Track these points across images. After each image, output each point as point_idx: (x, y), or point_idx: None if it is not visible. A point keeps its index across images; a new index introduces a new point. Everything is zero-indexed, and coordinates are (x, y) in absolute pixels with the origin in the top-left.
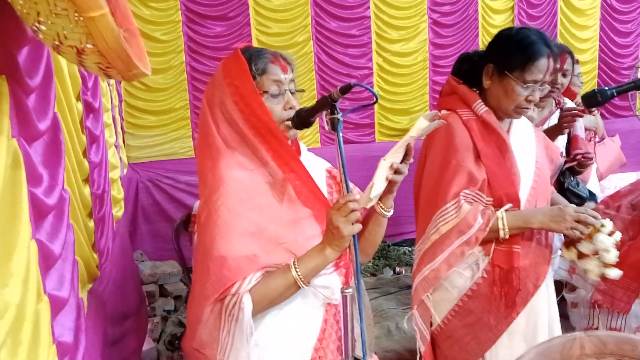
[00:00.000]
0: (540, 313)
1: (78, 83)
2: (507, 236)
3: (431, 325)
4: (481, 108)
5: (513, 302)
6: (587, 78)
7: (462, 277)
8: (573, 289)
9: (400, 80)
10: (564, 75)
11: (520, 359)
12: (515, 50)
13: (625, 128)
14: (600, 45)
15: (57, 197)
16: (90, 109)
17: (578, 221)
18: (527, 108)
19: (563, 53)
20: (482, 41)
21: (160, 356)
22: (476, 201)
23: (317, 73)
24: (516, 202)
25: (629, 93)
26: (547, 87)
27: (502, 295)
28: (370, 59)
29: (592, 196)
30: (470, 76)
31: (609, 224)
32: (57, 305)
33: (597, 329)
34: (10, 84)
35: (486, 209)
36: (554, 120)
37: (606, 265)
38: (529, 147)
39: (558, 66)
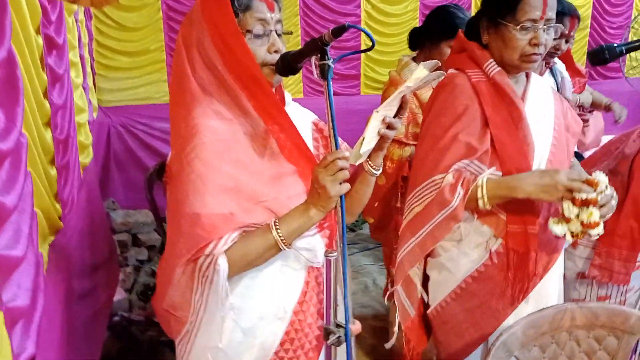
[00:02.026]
0: (549, 297)
1: (38, 14)
2: (488, 207)
3: (425, 307)
4: (493, 68)
5: (526, 288)
6: (579, 36)
7: (469, 257)
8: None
9: (389, 30)
10: (567, 41)
11: (510, 329)
12: None
13: (613, 90)
14: (593, 2)
15: (13, 142)
16: (53, 45)
17: (570, 190)
18: (535, 54)
19: (572, 17)
20: None
21: (132, 307)
22: (472, 173)
23: (302, 18)
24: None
25: None
26: (557, 25)
27: (516, 280)
28: (359, 6)
29: (578, 157)
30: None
31: (603, 178)
32: (9, 266)
33: (584, 300)
34: None
35: (464, 174)
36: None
37: (587, 226)
38: (547, 114)
39: (566, 31)
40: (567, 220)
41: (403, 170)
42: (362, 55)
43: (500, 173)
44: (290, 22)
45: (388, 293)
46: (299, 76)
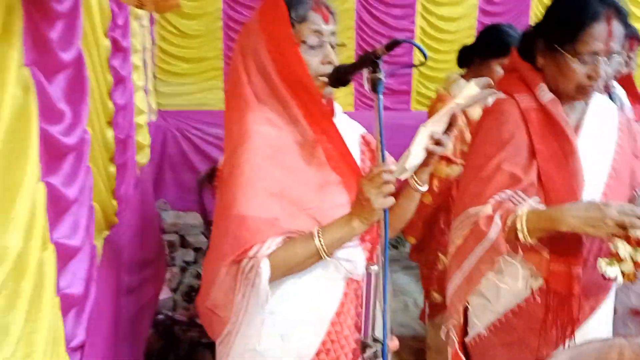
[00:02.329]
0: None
1: (107, 18)
2: (529, 240)
3: (465, 334)
4: (545, 95)
5: (571, 332)
6: None
7: (510, 290)
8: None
9: (442, 47)
10: (627, 64)
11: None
12: (561, 16)
13: None
14: None
15: (77, 138)
16: (118, 48)
17: (622, 226)
18: (591, 86)
19: (632, 38)
20: (535, 13)
21: (176, 306)
22: (514, 204)
23: (356, 31)
24: None
25: None
26: (618, 59)
27: (557, 325)
28: (413, 22)
29: None
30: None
31: None
32: (67, 254)
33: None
34: (27, 7)
35: (505, 205)
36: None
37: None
38: (607, 142)
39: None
40: (620, 260)
41: (451, 190)
42: (414, 70)
43: (543, 206)
44: (345, 35)
45: (426, 316)
46: (350, 89)
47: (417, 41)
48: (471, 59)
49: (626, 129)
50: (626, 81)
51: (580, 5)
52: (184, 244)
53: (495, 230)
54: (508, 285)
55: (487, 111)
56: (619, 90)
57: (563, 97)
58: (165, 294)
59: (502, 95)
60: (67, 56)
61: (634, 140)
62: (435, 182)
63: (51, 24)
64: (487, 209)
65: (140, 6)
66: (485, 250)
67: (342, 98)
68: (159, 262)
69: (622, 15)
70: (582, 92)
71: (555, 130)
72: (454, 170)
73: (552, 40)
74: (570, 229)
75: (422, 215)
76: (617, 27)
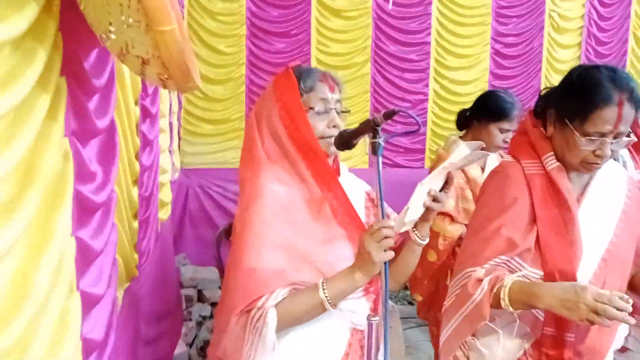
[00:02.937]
0: None
1: (138, 89)
2: (511, 309)
3: None
4: (551, 163)
5: None
6: None
7: (505, 348)
8: (623, 350)
9: (456, 108)
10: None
11: None
12: (574, 94)
13: None
14: None
15: (106, 196)
16: (147, 114)
17: (595, 312)
18: (596, 164)
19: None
20: (545, 75)
21: None
22: (511, 270)
23: (372, 95)
24: (571, 281)
25: None
26: (625, 139)
27: None
28: (427, 85)
29: None
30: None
31: None
32: (91, 301)
33: None
34: (71, 85)
35: (497, 272)
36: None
37: None
38: (612, 208)
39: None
40: None
41: (455, 248)
42: (429, 130)
43: (542, 273)
44: (361, 99)
45: None
46: (364, 147)
47: (430, 102)
48: (470, 123)
49: (635, 196)
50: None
51: (594, 87)
52: (201, 298)
53: (480, 294)
54: (503, 342)
55: (493, 172)
56: (625, 154)
57: (569, 167)
58: (180, 348)
59: (508, 157)
60: (101, 124)
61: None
62: (440, 240)
63: (90, 97)
64: (480, 272)
65: (165, 87)
66: (470, 311)
67: (358, 157)
68: (176, 315)
69: (635, 100)
70: (586, 168)
71: (558, 198)
72: (457, 229)
73: (562, 114)
74: (547, 307)
75: (428, 272)
76: (628, 111)
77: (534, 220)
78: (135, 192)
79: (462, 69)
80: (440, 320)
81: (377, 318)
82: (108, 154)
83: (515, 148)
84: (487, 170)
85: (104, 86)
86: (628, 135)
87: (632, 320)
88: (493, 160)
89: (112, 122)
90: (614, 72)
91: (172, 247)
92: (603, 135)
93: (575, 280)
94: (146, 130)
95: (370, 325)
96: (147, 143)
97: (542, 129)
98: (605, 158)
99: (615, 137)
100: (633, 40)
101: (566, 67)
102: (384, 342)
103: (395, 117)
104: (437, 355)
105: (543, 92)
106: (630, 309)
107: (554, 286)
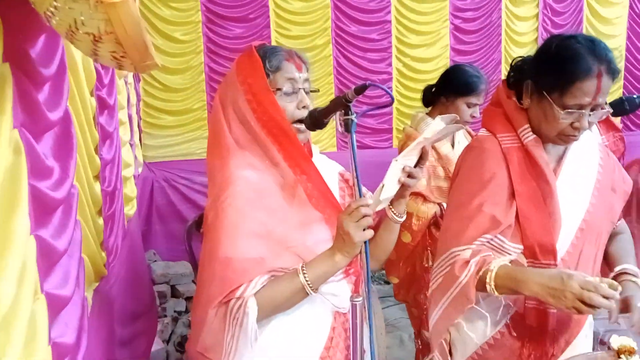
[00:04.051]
0: None
1: (93, 79)
2: (495, 293)
3: None
4: (527, 135)
5: None
6: (612, 88)
7: (485, 320)
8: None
9: (420, 86)
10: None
11: None
12: (553, 66)
13: None
14: (626, 55)
15: (65, 192)
16: (105, 106)
17: (581, 300)
18: (573, 136)
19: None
20: (505, 48)
21: (169, 357)
22: (494, 248)
23: (335, 77)
24: (551, 253)
25: None
26: (603, 111)
27: (531, 358)
28: (390, 64)
29: None
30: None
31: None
32: (58, 304)
33: None
34: (16, 73)
35: (484, 254)
36: None
37: None
38: (587, 177)
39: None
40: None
41: (430, 228)
42: (394, 110)
43: (522, 247)
44: (325, 81)
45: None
46: (332, 131)
47: (394, 82)
48: (436, 98)
49: (606, 164)
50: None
51: (574, 59)
52: (175, 294)
53: (466, 277)
54: (484, 315)
55: (469, 147)
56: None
57: (545, 139)
58: (157, 345)
59: (484, 132)
60: (54, 116)
61: (613, 173)
62: (414, 220)
63: (39, 87)
64: (466, 253)
65: (120, 67)
66: (456, 294)
67: (325, 140)
68: (150, 313)
69: (612, 71)
70: (563, 140)
71: (535, 171)
72: (430, 208)
73: (540, 86)
74: (533, 295)
75: (403, 254)
76: (606, 82)
77: (512, 194)
78: (97, 187)
79: (424, 46)
80: (419, 302)
81: (360, 298)
82: (64, 147)
83: (490, 120)
84: (457, 147)
85: (55, 75)
86: (604, 107)
87: (613, 306)
88: (461, 136)
89: (67, 113)
90: (592, 43)
91: (141, 244)
92: (582, 107)
93: (554, 252)
94: (104, 122)
95: (353, 306)
96: (106, 136)
97: (516, 100)
98: (582, 130)
99: (592, 109)
100: (587, 9)
101: (525, 39)
102: (369, 321)
103: (361, 97)
104: (417, 334)
105: (515, 62)
106: (618, 296)
107: (540, 273)
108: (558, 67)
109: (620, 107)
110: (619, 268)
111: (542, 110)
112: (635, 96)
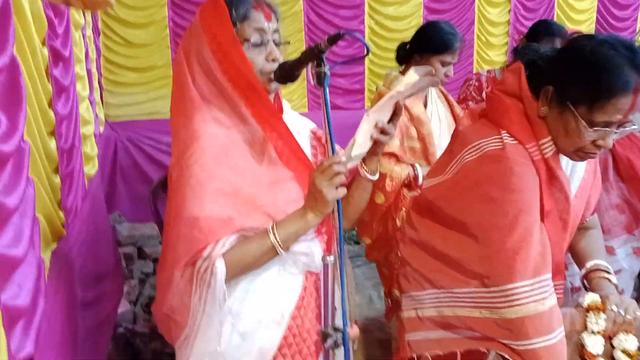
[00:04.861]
0: None
1: (44, 27)
2: None
3: None
4: (549, 149)
5: None
6: None
7: None
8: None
9: (393, 45)
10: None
11: None
12: (585, 76)
13: None
14: (597, 17)
15: (14, 146)
16: (59, 57)
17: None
18: (593, 153)
19: (563, 39)
20: (479, 7)
21: (136, 319)
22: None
23: (306, 34)
24: (561, 273)
25: None
26: (629, 128)
27: None
28: (362, 22)
29: None
30: (534, 79)
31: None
32: (10, 265)
33: None
34: None
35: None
36: None
37: None
38: (577, 176)
39: None
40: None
41: (402, 188)
42: (367, 70)
43: None
44: (295, 38)
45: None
46: (303, 91)
47: (367, 40)
48: (410, 56)
49: (591, 160)
50: None
51: (612, 72)
52: (142, 255)
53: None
54: None
55: (498, 156)
56: None
57: (559, 151)
58: (124, 307)
59: (507, 137)
60: None
61: (595, 172)
62: (388, 181)
63: None
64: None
65: (67, 3)
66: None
67: (297, 100)
68: (115, 275)
69: None
70: (580, 157)
71: (557, 189)
72: (403, 169)
73: (564, 96)
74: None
75: (376, 215)
76: None
77: (542, 215)
78: (52, 143)
79: (396, 3)
80: (390, 261)
81: (331, 257)
82: (11, 97)
83: (509, 122)
84: (430, 107)
85: None
86: (632, 123)
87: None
88: (434, 96)
89: (13, 61)
90: (631, 52)
91: (103, 204)
92: (610, 124)
93: (564, 272)
94: (59, 75)
95: (325, 266)
96: (61, 90)
97: (536, 102)
98: (606, 148)
99: (619, 126)
100: None
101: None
102: (340, 280)
103: (332, 55)
104: (387, 293)
105: (522, 49)
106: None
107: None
108: (592, 78)
109: None
110: (590, 264)
111: (562, 123)
112: None
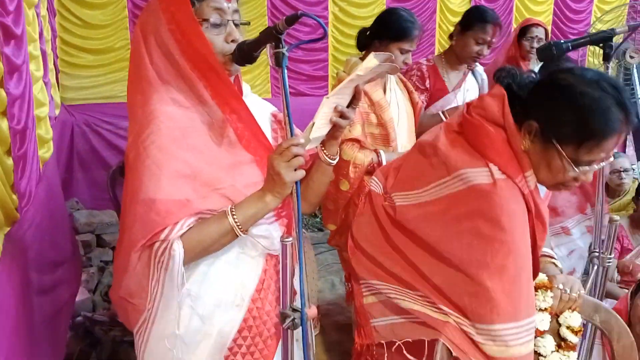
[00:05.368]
0: None
1: None
2: None
3: None
4: (532, 181)
5: None
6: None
7: None
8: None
9: (356, 32)
10: (489, 47)
11: None
12: (575, 119)
13: None
14: (554, 9)
15: None
16: (10, 35)
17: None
18: (571, 187)
19: (494, 25)
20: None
21: (95, 307)
22: None
23: (269, 19)
24: None
25: None
26: (608, 161)
27: None
28: (326, 8)
29: None
30: (515, 104)
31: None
32: None
33: None
34: None
35: None
36: (469, 82)
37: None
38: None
39: (488, 38)
40: None
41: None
42: (330, 56)
43: None
44: (258, 23)
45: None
46: (266, 76)
47: (330, 27)
48: (370, 42)
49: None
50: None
51: (603, 115)
52: (101, 243)
53: None
54: None
55: (490, 193)
56: (479, 68)
57: (539, 181)
58: (83, 295)
59: (497, 171)
60: None
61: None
62: (351, 168)
63: None
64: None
65: None
66: None
67: (259, 86)
68: (73, 262)
69: (631, 123)
70: (558, 189)
71: (539, 221)
72: (367, 156)
73: (551, 134)
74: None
75: (341, 203)
76: (623, 135)
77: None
78: (4, 124)
79: None
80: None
81: (290, 239)
82: None
83: (494, 152)
84: (389, 93)
85: None
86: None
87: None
88: (393, 83)
89: None
90: (618, 92)
91: (60, 190)
92: (594, 162)
93: None
94: (10, 53)
95: (284, 246)
96: (13, 68)
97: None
98: (584, 182)
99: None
100: None
101: None
102: (299, 261)
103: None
104: (347, 278)
105: (502, 77)
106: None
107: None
108: (581, 121)
109: (547, 51)
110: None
111: (545, 158)
112: (562, 41)
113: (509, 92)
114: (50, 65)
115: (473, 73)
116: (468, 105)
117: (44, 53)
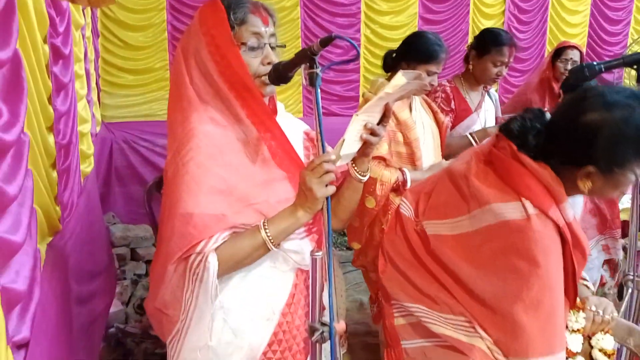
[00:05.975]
0: None
1: (45, 24)
2: None
3: None
4: (569, 212)
5: None
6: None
7: None
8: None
9: None
10: (506, 66)
11: None
12: (634, 146)
13: None
14: (589, 32)
15: (15, 136)
16: (59, 55)
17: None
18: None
19: (510, 46)
20: (473, 19)
21: (128, 319)
22: None
23: (303, 41)
24: None
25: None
26: None
27: None
28: (358, 30)
29: None
30: (536, 150)
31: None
32: (9, 250)
33: None
34: None
35: None
36: (487, 102)
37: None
38: None
39: (506, 59)
40: None
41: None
42: (361, 77)
43: None
44: (292, 45)
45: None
46: (299, 96)
47: (362, 49)
48: (397, 64)
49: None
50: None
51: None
52: (135, 256)
53: None
54: None
55: (524, 228)
56: (492, 90)
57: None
58: (116, 307)
59: (530, 206)
60: (2, 55)
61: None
62: (378, 186)
63: None
64: None
65: (72, 1)
66: None
67: (292, 105)
68: (108, 274)
69: None
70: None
71: (577, 250)
72: (392, 174)
73: (612, 165)
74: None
75: (367, 221)
76: None
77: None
78: (51, 139)
79: (392, 13)
80: (377, 265)
81: (320, 253)
82: (14, 90)
83: (529, 189)
84: (415, 113)
85: (2, 12)
86: None
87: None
88: (417, 103)
89: (16, 55)
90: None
91: (98, 203)
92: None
93: None
94: (59, 72)
95: (313, 260)
96: (61, 86)
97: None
98: None
99: None
100: None
101: (492, 11)
102: (328, 275)
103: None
104: (373, 299)
105: (508, 123)
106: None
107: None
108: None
109: (580, 73)
110: None
111: (610, 184)
112: (594, 63)
113: (523, 138)
114: (93, 84)
115: (488, 93)
116: (497, 137)
117: (87, 72)
